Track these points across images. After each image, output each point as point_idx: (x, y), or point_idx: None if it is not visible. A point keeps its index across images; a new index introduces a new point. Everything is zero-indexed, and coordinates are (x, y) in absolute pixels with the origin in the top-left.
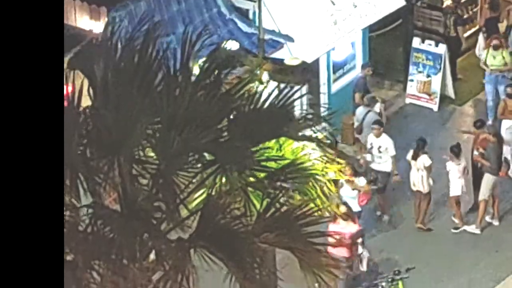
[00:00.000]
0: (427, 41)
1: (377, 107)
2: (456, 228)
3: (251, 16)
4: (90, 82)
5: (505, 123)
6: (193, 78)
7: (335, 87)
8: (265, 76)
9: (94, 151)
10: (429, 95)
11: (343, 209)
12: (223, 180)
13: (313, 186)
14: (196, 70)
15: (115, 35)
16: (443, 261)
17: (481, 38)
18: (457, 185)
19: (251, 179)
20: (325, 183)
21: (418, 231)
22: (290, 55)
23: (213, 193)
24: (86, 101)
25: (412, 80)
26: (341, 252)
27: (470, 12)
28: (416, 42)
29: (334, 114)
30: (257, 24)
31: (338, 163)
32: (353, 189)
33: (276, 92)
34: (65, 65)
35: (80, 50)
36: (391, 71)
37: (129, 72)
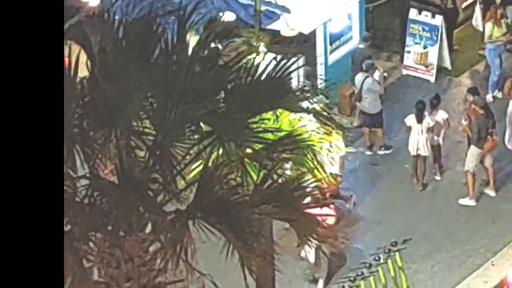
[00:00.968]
0: (423, 13)
1: (377, 75)
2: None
3: None
4: (87, 53)
5: None
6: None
7: (332, 58)
8: (261, 48)
9: (90, 122)
10: (426, 66)
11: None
12: (220, 151)
13: (310, 158)
14: (193, 43)
15: (112, 8)
16: (440, 232)
17: (478, 9)
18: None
19: (248, 150)
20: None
21: (415, 203)
22: (286, 26)
23: (210, 164)
24: (82, 72)
25: (409, 52)
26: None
27: None
28: (412, 13)
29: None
30: None
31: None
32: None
33: (273, 63)
34: None
35: (77, 22)
36: (388, 43)
37: (127, 44)
